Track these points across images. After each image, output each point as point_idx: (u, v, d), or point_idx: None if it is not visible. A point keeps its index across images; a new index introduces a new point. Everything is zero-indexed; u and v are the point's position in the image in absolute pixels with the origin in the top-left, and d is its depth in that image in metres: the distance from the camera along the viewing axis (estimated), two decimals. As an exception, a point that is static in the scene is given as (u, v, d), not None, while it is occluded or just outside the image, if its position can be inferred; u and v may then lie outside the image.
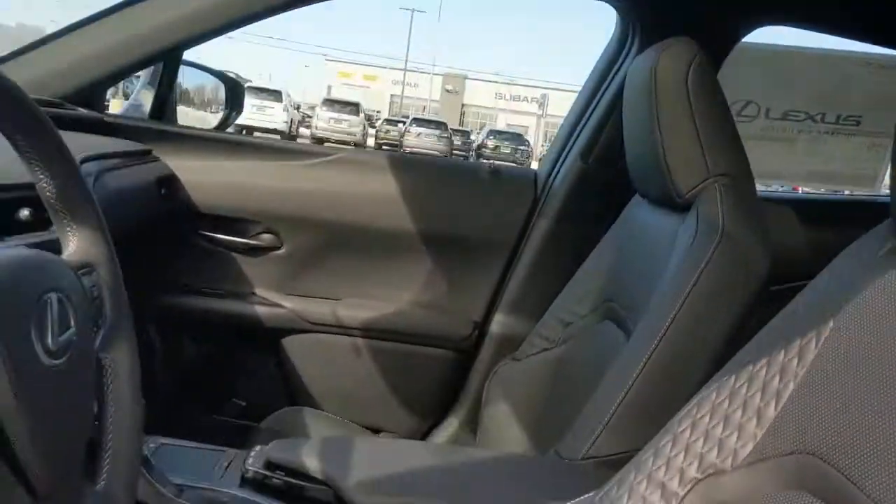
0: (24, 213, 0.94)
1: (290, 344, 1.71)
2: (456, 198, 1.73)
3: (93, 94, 1.58)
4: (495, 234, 1.74)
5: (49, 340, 0.57)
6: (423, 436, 1.76)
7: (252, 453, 1.08)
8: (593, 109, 1.73)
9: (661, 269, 1.15)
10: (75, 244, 0.71)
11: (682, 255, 1.12)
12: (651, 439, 0.71)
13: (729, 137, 1.20)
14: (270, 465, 1.05)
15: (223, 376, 1.77)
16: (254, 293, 1.70)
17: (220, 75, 1.91)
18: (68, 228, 0.71)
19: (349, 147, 1.96)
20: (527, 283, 1.72)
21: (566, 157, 1.76)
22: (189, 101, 1.89)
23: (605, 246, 1.48)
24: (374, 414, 1.74)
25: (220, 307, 1.68)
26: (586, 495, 0.76)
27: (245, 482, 1.04)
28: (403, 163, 1.74)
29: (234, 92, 1.90)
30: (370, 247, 1.72)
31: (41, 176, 0.68)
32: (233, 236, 1.69)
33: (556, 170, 1.77)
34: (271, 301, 1.69)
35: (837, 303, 0.63)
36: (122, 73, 1.57)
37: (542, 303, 1.58)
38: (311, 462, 1.03)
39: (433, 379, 1.76)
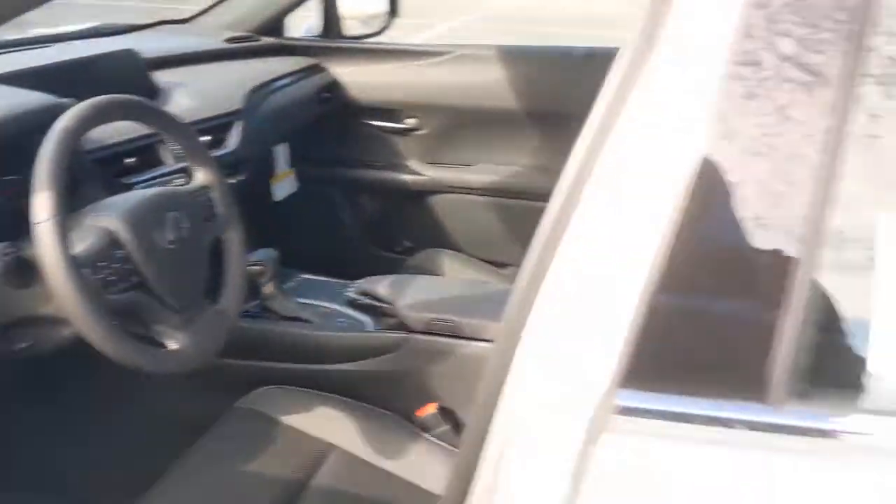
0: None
1: (433, 202, 2.23)
2: (557, 80, 2.07)
3: (274, 24, 2.16)
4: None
5: (167, 235, 1.13)
6: None
7: (356, 283, 1.64)
8: None
9: None
10: (197, 177, 1.28)
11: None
12: None
13: None
14: (365, 293, 1.60)
15: (387, 227, 2.36)
16: (405, 164, 2.23)
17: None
18: (193, 169, 1.28)
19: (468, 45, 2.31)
20: None
21: None
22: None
23: None
24: (498, 252, 2.22)
25: (380, 175, 2.24)
26: None
27: (348, 303, 1.62)
28: (512, 53, 2.10)
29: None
30: (491, 124, 2.14)
31: (173, 144, 1.24)
32: (386, 122, 2.21)
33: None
34: (417, 170, 2.21)
35: None
36: (293, 5, 2.12)
37: None
38: (384, 290, 1.56)
39: None
